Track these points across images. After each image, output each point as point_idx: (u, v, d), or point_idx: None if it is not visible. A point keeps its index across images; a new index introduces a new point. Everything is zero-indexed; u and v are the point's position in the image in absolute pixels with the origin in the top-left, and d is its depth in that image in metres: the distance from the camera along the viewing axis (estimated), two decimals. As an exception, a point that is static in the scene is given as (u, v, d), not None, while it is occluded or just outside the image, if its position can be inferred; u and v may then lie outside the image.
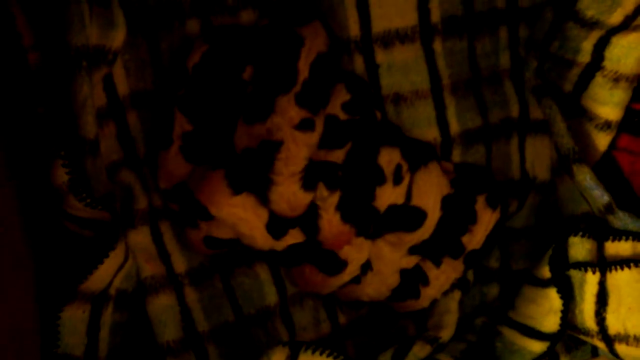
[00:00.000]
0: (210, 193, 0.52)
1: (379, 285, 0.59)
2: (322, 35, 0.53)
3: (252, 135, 0.52)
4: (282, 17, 0.54)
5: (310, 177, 0.53)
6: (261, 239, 0.54)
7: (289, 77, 0.51)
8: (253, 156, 0.52)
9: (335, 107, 0.54)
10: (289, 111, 0.51)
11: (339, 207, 0.54)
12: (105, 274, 0.51)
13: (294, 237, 0.55)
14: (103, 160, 0.52)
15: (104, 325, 0.53)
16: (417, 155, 0.58)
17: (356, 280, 0.59)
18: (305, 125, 0.52)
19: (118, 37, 0.51)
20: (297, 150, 0.52)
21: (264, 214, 0.54)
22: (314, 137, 0.53)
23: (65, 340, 0.50)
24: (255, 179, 0.52)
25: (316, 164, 0.54)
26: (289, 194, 0.52)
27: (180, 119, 0.53)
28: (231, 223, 0.53)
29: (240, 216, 0.53)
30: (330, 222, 0.55)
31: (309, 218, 0.55)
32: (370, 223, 0.57)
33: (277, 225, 0.54)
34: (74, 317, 0.50)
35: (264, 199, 0.53)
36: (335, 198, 0.54)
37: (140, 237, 0.56)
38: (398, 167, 0.56)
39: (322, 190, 0.54)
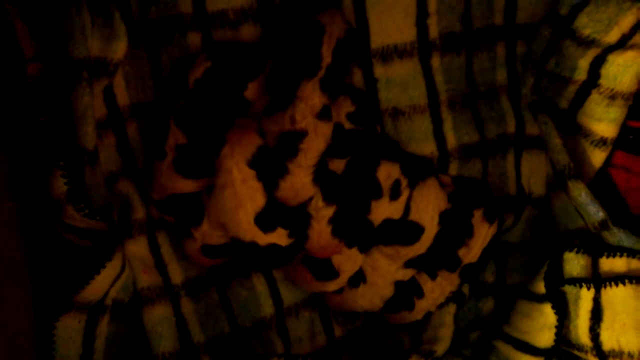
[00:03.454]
0: (238, 141, 0.52)
1: (372, 296, 0.59)
2: (340, 22, 0.54)
3: (272, 126, 0.52)
4: (299, 5, 0.55)
5: (320, 172, 0.53)
6: (246, 225, 0.53)
7: (314, 62, 0.52)
8: (279, 145, 0.52)
9: (340, 116, 0.55)
10: (313, 97, 0.52)
11: (332, 221, 0.55)
12: (102, 284, 0.51)
13: (279, 236, 0.54)
14: (102, 171, 0.52)
15: (99, 336, 0.53)
16: (416, 170, 0.58)
17: (339, 291, 0.59)
18: (325, 114, 0.52)
19: (119, 49, 0.51)
20: (317, 142, 0.52)
21: (260, 200, 0.53)
22: (330, 128, 0.53)
23: (60, 351, 0.50)
24: (273, 167, 0.53)
25: (323, 163, 0.54)
26: (299, 185, 0.53)
27: (175, 131, 0.53)
28: (222, 183, 0.52)
29: (235, 185, 0.52)
30: (320, 233, 0.55)
31: (300, 224, 0.55)
32: (361, 236, 0.57)
33: (269, 217, 0.53)
34: (70, 327, 0.50)
35: (270, 185, 0.53)
36: (330, 211, 0.55)
37: (138, 247, 0.56)
38: (396, 183, 0.56)
39: (318, 201, 0.54)
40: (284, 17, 0.55)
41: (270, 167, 0.53)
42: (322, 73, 0.52)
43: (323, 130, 0.53)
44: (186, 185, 0.54)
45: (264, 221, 0.53)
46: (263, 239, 0.54)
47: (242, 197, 0.52)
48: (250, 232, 0.53)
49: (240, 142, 0.52)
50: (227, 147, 0.52)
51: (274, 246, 0.54)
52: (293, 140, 0.52)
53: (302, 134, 0.52)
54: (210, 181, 0.54)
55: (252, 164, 0.52)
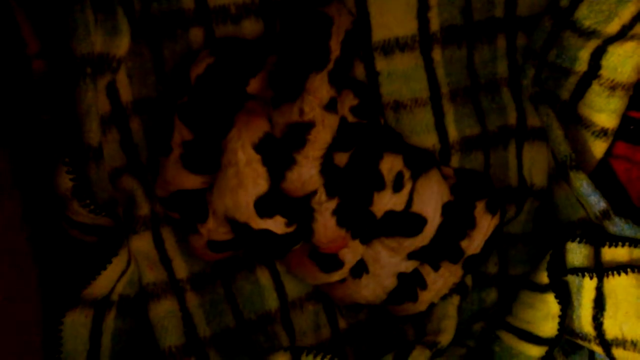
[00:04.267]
0: (246, 124, 0.52)
1: (375, 287, 0.60)
2: (346, 13, 0.54)
3: (279, 117, 0.53)
4: None
5: (326, 164, 0.54)
6: (244, 205, 0.53)
7: (323, 55, 0.52)
8: (286, 136, 0.53)
9: (343, 110, 0.55)
10: (321, 90, 0.52)
11: (335, 212, 0.55)
12: (108, 279, 0.51)
13: (275, 224, 0.54)
14: (106, 167, 0.52)
15: (106, 331, 0.53)
16: (419, 162, 0.58)
17: (342, 281, 0.59)
18: (332, 105, 0.53)
19: (122, 45, 0.51)
20: (325, 133, 0.53)
21: (262, 186, 0.53)
22: (336, 120, 0.54)
23: (67, 346, 0.50)
24: (280, 157, 0.53)
25: (329, 156, 0.54)
26: (306, 176, 0.53)
27: (180, 127, 0.54)
28: (226, 162, 0.53)
29: (239, 165, 0.52)
30: (325, 226, 0.55)
31: (304, 218, 0.55)
32: (365, 227, 0.57)
33: (269, 203, 0.53)
34: (77, 322, 0.50)
35: (277, 176, 0.53)
36: (332, 204, 0.55)
37: (142, 243, 0.56)
38: (399, 175, 0.57)
39: (321, 195, 0.55)
40: (289, 10, 0.55)
41: (276, 156, 0.53)
42: (331, 66, 0.53)
43: (330, 121, 0.53)
44: (193, 181, 0.54)
45: (263, 206, 0.53)
46: (257, 223, 0.54)
47: (244, 177, 0.52)
48: (247, 214, 0.53)
49: (248, 125, 0.52)
50: (234, 129, 0.52)
51: (266, 232, 0.54)
52: (301, 132, 0.52)
53: (310, 125, 0.52)
54: (216, 177, 0.54)
55: (258, 148, 0.52)
